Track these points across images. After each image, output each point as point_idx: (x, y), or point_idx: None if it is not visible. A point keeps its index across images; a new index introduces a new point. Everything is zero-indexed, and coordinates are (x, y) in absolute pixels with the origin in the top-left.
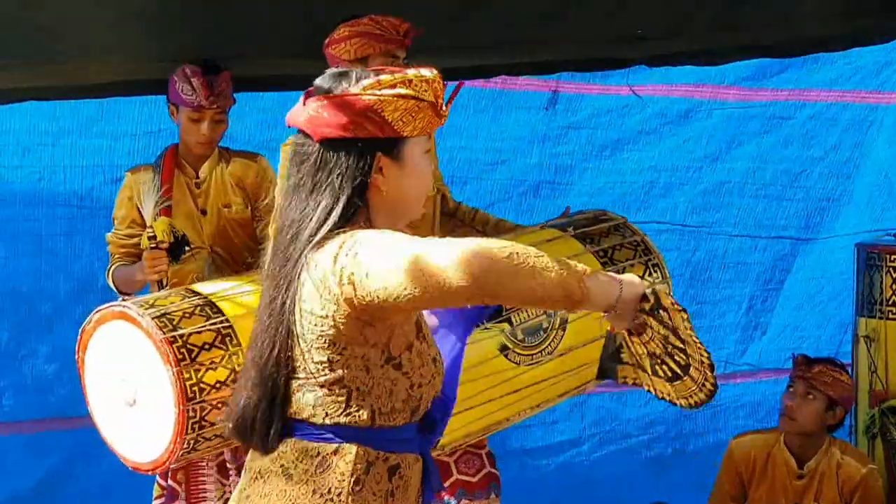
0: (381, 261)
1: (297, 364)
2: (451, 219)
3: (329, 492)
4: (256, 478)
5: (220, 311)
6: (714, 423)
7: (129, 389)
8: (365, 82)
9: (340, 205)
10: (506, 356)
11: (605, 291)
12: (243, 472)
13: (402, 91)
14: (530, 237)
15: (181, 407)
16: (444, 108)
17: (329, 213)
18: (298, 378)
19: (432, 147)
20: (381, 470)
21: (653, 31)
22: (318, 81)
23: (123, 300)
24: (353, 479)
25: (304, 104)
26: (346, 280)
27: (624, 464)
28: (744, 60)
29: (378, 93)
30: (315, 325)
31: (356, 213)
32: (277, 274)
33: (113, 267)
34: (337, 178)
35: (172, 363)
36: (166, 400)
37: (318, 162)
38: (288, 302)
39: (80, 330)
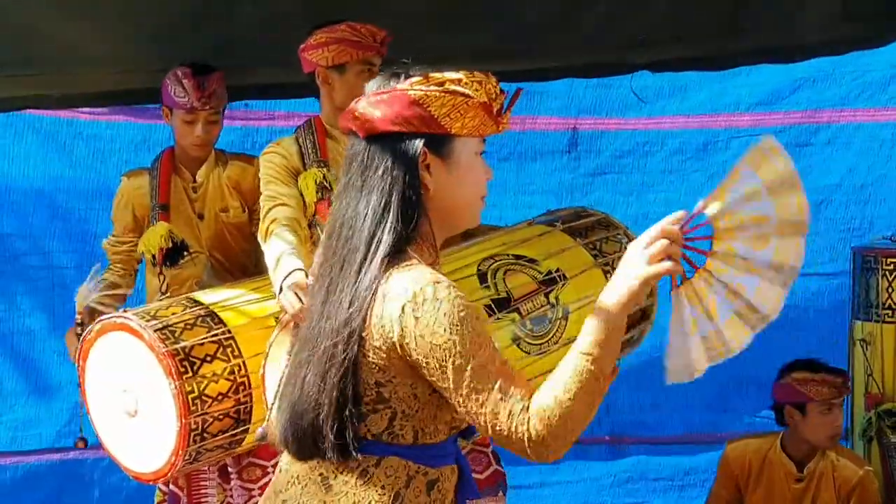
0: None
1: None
2: None
3: None
4: (294, 482)
5: (221, 322)
6: None
7: (131, 400)
8: (414, 79)
9: (394, 203)
10: (518, 346)
11: (612, 347)
12: (278, 470)
13: (451, 87)
14: (522, 233)
15: (184, 420)
16: (501, 112)
17: (383, 212)
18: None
19: None
20: (420, 484)
21: (655, 37)
22: (370, 84)
23: (125, 311)
24: (393, 493)
25: (356, 105)
26: (408, 344)
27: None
28: (746, 66)
29: (425, 88)
30: (369, 350)
31: (416, 218)
32: (337, 277)
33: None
34: (385, 173)
35: (175, 376)
36: (168, 412)
37: (366, 159)
38: (358, 311)
39: (80, 339)
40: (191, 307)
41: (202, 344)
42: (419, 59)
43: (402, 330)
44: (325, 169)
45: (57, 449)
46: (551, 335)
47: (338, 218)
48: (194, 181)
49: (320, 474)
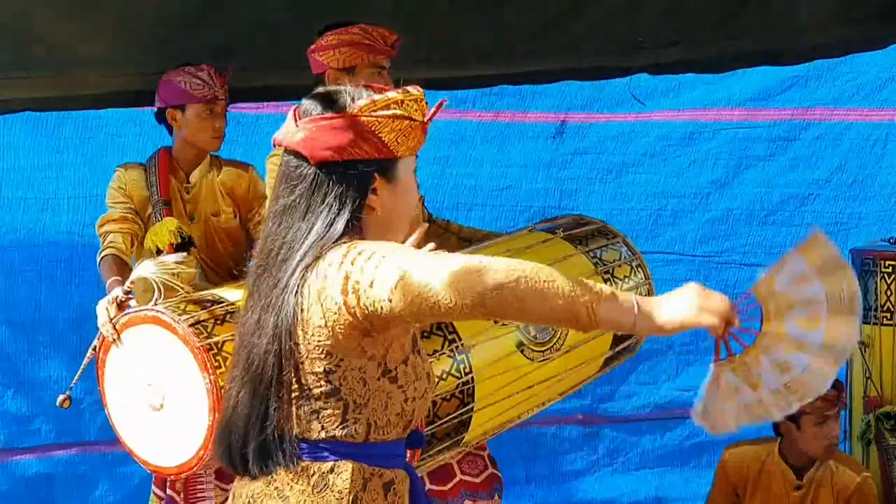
0: (388, 272)
1: (294, 379)
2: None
3: None
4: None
5: None
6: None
7: (156, 394)
8: (360, 103)
9: (339, 225)
10: (522, 352)
11: (616, 319)
12: (231, 498)
13: (397, 112)
14: (524, 240)
15: (216, 414)
16: (426, 125)
17: (326, 233)
18: (293, 393)
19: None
20: (376, 486)
21: (653, 40)
22: (308, 103)
23: (155, 304)
24: (351, 497)
25: (297, 125)
26: (351, 289)
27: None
28: (744, 68)
29: (375, 114)
30: (314, 335)
31: (348, 233)
32: (269, 295)
33: (101, 257)
34: (334, 199)
35: (210, 371)
36: (200, 406)
37: (314, 184)
38: (284, 323)
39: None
40: (218, 302)
41: (233, 339)
42: (416, 62)
43: (344, 281)
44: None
45: (58, 445)
46: (554, 342)
47: (275, 239)
48: (188, 182)
49: (276, 488)
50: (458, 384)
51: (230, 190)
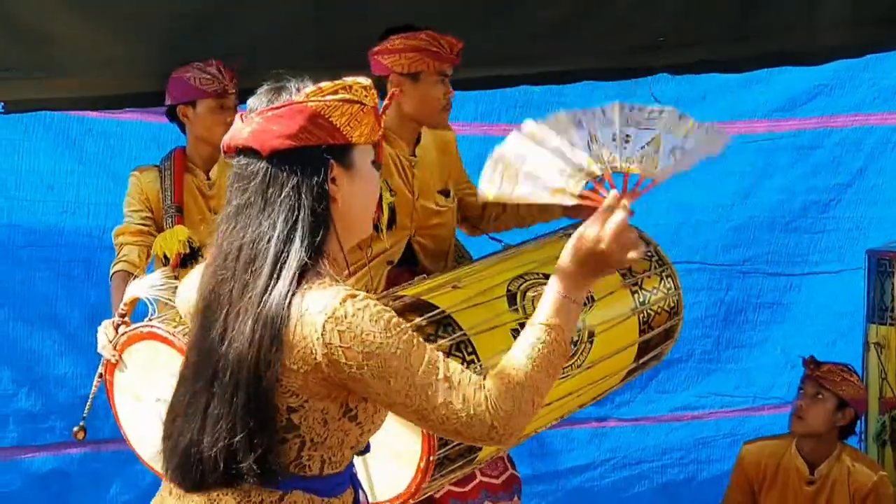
0: (395, 380)
1: (262, 399)
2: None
3: None
4: None
5: None
6: (732, 452)
7: (165, 408)
8: (307, 90)
9: (302, 219)
10: None
11: (573, 320)
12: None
13: (346, 96)
14: (551, 249)
15: None
16: (381, 116)
17: (290, 230)
18: (259, 414)
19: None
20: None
21: (672, 40)
22: (253, 101)
23: (150, 320)
24: None
25: (243, 122)
26: (336, 361)
27: (637, 489)
28: (764, 68)
29: (322, 98)
30: (283, 373)
31: (324, 232)
32: (238, 301)
33: (113, 271)
34: (292, 190)
35: None
36: None
37: (268, 178)
38: (268, 334)
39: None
40: None
41: None
42: None
43: (327, 348)
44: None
45: (72, 443)
46: (575, 358)
47: (233, 241)
48: (208, 179)
49: None
50: None
51: None
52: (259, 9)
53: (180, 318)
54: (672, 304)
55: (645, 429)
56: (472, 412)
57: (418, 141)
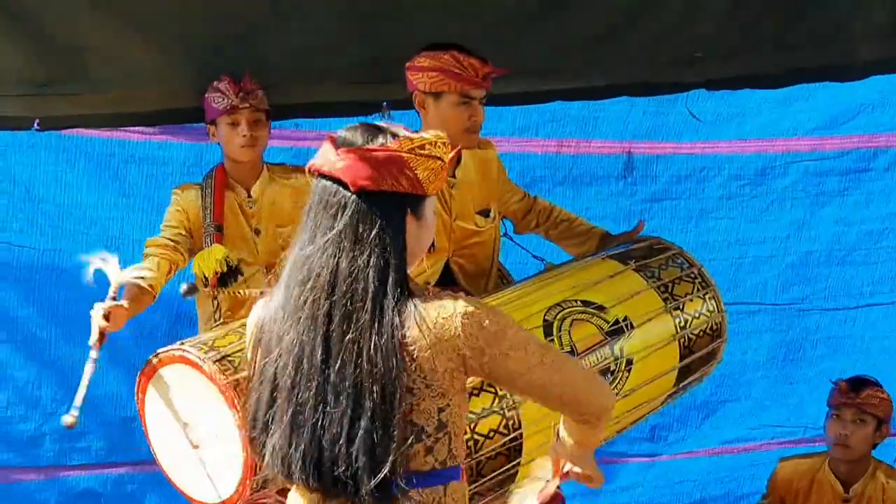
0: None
1: (406, 413)
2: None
3: None
4: None
5: None
6: None
7: (194, 433)
8: (401, 139)
9: (392, 260)
10: None
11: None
12: None
13: (432, 151)
14: (595, 272)
15: (250, 450)
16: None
17: (386, 266)
18: (405, 427)
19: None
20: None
21: (708, 54)
22: (348, 134)
23: (182, 343)
24: None
25: (338, 153)
26: (481, 347)
27: None
28: (802, 83)
29: (414, 153)
30: (427, 377)
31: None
32: (339, 327)
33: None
34: (381, 230)
35: (238, 407)
36: (233, 442)
37: (358, 214)
38: (390, 356)
39: (138, 374)
40: (245, 334)
41: None
42: None
43: (469, 339)
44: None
45: (108, 464)
46: (612, 388)
47: (324, 266)
48: (249, 196)
49: None
50: (505, 441)
51: (298, 197)
52: (296, 23)
53: (213, 341)
54: (714, 327)
55: (695, 460)
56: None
57: (459, 162)
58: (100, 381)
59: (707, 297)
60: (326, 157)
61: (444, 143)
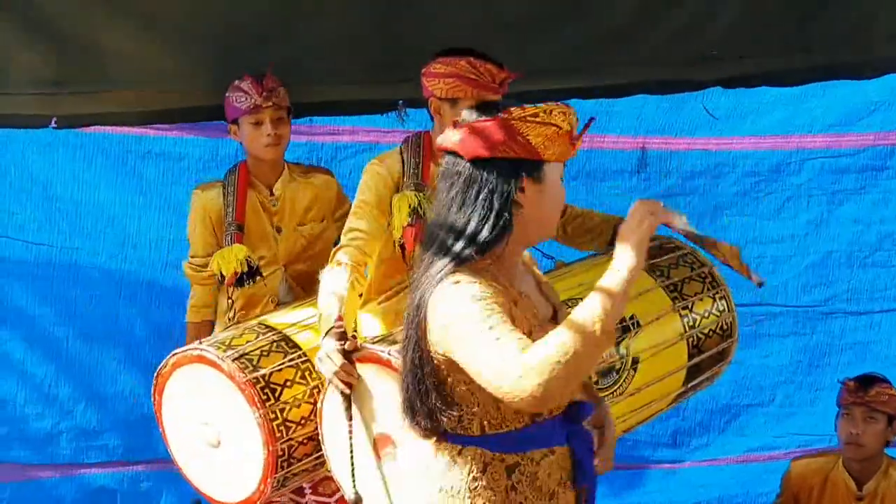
0: (477, 348)
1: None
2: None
3: (451, 488)
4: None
5: (296, 346)
6: None
7: (213, 432)
8: (512, 111)
9: (492, 217)
10: None
11: (620, 307)
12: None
13: (545, 119)
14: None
15: (270, 448)
16: (576, 138)
17: (481, 225)
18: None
19: None
20: (497, 469)
21: (724, 53)
22: (466, 113)
23: (199, 342)
24: (470, 478)
25: (455, 130)
26: (439, 334)
27: None
28: (818, 81)
29: (523, 118)
30: (429, 349)
31: (505, 230)
32: (421, 276)
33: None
34: (488, 193)
35: (258, 405)
36: (254, 441)
37: (469, 179)
38: (418, 311)
39: (154, 374)
40: (263, 333)
41: (280, 370)
42: None
43: (432, 326)
44: (421, 194)
45: (124, 462)
46: (617, 386)
47: (434, 231)
48: (271, 194)
49: (426, 465)
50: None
51: (316, 196)
52: (316, 21)
53: (230, 339)
54: (725, 327)
55: (719, 468)
56: (507, 370)
57: None
58: (116, 380)
59: (717, 296)
60: (447, 135)
61: (561, 112)
